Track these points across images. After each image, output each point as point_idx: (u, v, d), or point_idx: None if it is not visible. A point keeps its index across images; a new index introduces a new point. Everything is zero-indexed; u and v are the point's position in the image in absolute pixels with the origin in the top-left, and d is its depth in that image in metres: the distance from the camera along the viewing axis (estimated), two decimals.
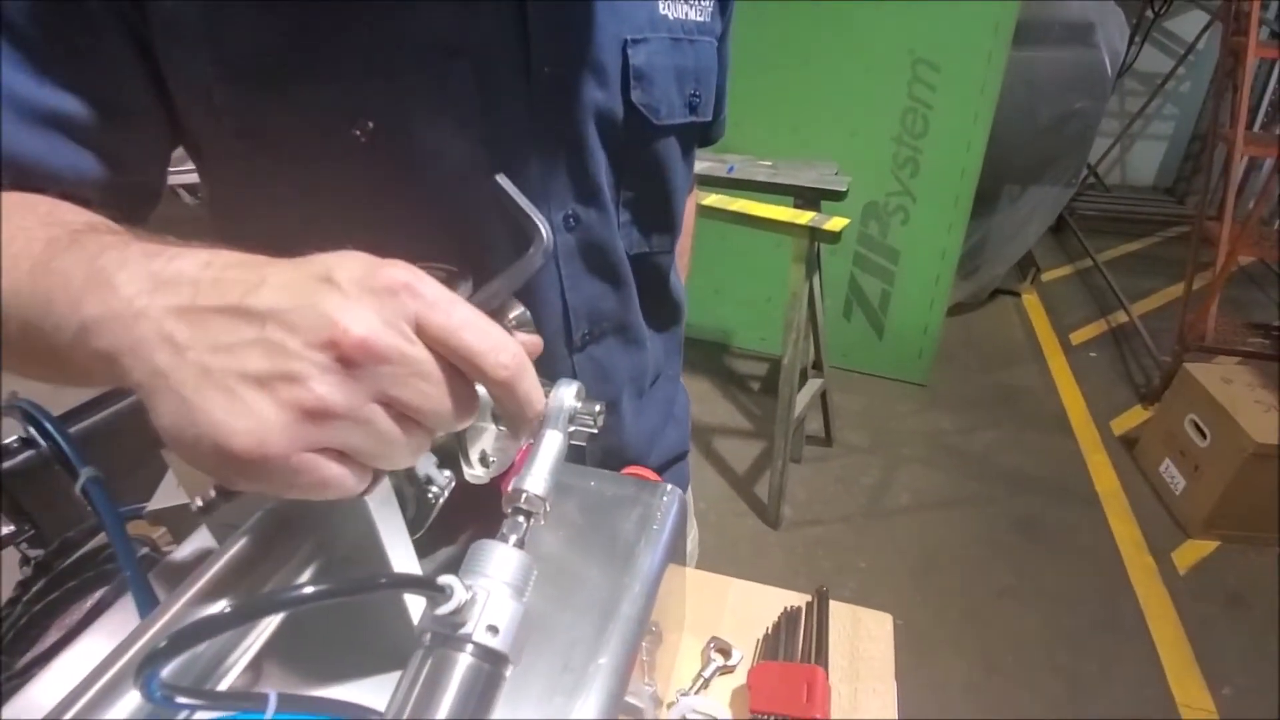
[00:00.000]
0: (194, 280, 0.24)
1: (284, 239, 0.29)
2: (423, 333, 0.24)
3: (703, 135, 0.60)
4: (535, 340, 0.32)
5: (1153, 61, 3.87)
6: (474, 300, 0.29)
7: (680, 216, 0.59)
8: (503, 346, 0.25)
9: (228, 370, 0.22)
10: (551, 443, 0.32)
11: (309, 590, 0.21)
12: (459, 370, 0.25)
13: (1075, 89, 2.56)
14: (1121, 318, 2.95)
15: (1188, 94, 4.08)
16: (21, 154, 0.35)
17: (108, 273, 0.25)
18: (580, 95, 0.46)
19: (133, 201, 0.41)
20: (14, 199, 0.33)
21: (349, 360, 0.22)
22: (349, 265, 0.24)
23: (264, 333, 0.22)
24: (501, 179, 0.34)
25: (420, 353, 0.24)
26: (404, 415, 0.24)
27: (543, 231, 0.32)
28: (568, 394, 0.33)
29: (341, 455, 0.24)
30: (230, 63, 0.39)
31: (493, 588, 0.26)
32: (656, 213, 0.56)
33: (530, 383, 0.27)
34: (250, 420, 0.22)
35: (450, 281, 0.36)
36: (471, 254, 0.46)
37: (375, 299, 0.23)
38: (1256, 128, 3.28)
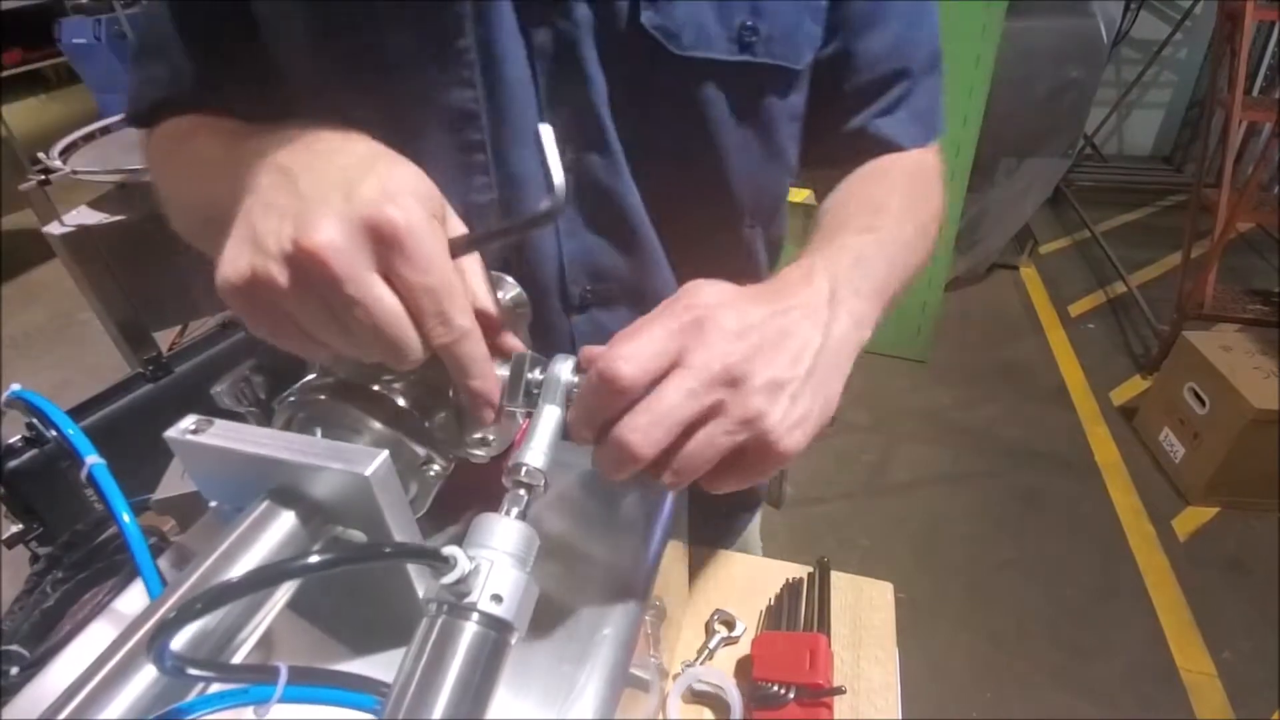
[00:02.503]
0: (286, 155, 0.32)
1: None
2: (391, 277, 0.28)
3: (835, 106, 0.49)
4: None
5: (1149, 28, 3.81)
6: (467, 238, 0.32)
7: (743, 191, 0.49)
8: (448, 312, 0.29)
9: (252, 224, 0.30)
10: (550, 418, 0.32)
11: (315, 559, 0.22)
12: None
13: (1071, 59, 2.52)
14: (1120, 288, 2.94)
15: (1185, 60, 4.03)
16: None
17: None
18: (573, 11, 0.40)
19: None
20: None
21: (302, 264, 0.28)
22: (370, 184, 0.29)
23: (287, 208, 0.29)
24: (544, 129, 0.32)
25: (370, 290, 0.28)
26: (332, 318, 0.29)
27: (556, 186, 0.30)
28: (564, 369, 0.33)
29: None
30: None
31: (496, 558, 0.26)
32: (691, 174, 0.47)
33: (472, 353, 0.30)
34: (236, 265, 0.30)
35: (495, 285, 0.36)
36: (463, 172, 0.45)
37: (364, 231, 0.28)
38: (1255, 92, 3.24)
